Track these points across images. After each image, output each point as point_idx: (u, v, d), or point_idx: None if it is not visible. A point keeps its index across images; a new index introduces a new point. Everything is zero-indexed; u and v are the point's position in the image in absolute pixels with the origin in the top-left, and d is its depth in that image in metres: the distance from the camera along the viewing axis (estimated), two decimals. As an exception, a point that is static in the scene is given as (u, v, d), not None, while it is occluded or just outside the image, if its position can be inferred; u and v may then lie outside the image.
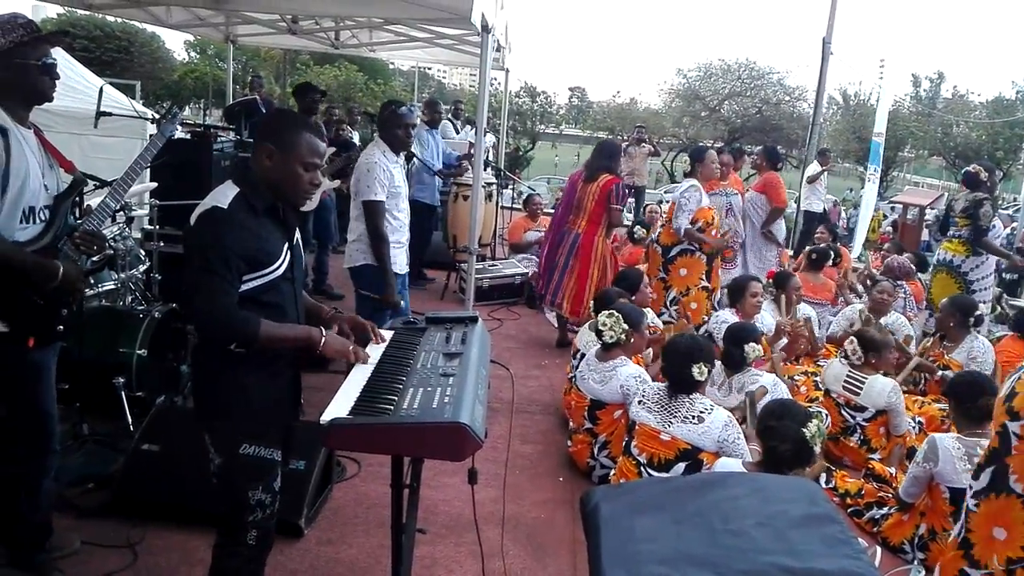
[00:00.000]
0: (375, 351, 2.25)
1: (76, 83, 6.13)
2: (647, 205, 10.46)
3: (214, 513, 2.24)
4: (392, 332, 2.46)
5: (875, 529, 3.54)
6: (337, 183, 6.25)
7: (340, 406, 1.88)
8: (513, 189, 10.45)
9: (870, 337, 4.23)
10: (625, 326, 3.81)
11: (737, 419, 3.40)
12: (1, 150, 2.22)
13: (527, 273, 7.17)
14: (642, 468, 3.30)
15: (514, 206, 10.15)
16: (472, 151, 6.12)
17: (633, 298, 4.58)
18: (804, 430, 2.83)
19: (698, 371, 3.28)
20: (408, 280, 4.38)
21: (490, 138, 9.75)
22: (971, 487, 2.45)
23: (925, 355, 4.95)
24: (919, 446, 3.41)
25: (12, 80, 2.28)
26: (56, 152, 2.50)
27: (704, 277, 5.57)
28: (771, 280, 5.79)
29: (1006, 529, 2.33)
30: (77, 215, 2.62)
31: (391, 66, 29.66)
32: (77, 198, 2.61)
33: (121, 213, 4.18)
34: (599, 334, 3.87)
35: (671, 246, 5.57)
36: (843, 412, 4.24)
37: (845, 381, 4.24)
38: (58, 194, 2.46)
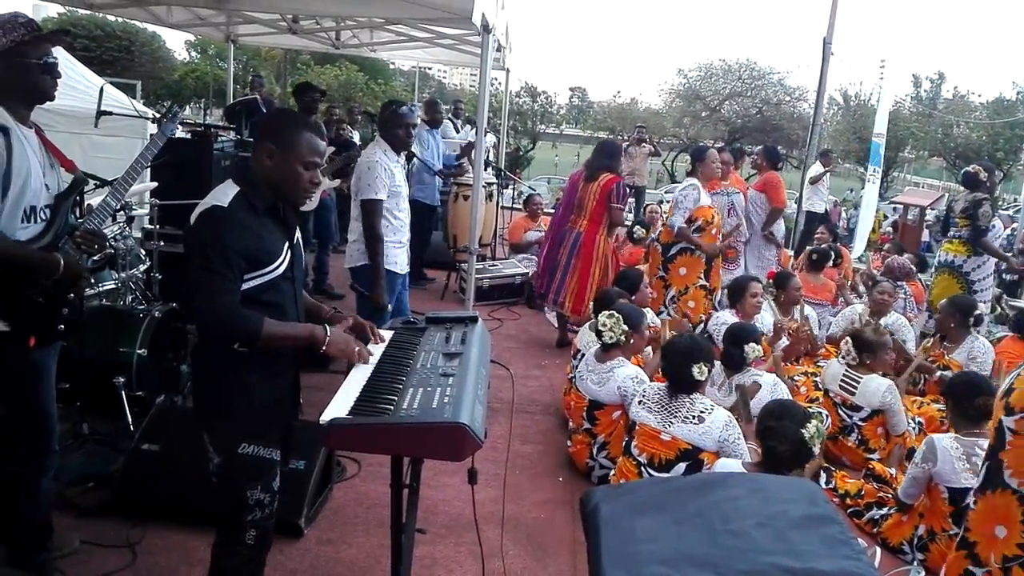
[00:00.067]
0: (375, 351, 2.25)
1: (77, 82, 6.14)
2: (647, 205, 10.45)
3: (214, 513, 2.24)
4: (392, 332, 2.46)
5: (875, 530, 3.54)
6: (337, 182, 6.25)
7: (340, 406, 1.88)
8: (513, 189, 10.42)
9: (865, 337, 4.23)
10: (625, 327, 3.81)
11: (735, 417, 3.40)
12: (3, 149, 2.22)
13: (527, 273, 7.17)
14: (642, 468, 3.30)
15: (514, 206, 10.13)
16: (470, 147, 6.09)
17: (633, 298, 4.58)
18: (803, 431, 2.83)
19: (698, 371, 3.28)
20: (408, 280, 4.38)
21: (491, 138, 9.75)
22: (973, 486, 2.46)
23: (925, 356, 4.95)
24: (919, 447, 3.42)
25: (13, 79, 2.28)
26: (57, 151, 2.50)
27: (703, 276, 5.57)
28: (771, 280, 5.79)
29: (1006, 527, 2.33)
30: (78, 214, 2.62)
31: (392, 66, 29.69)
32: (78, 197, 2.61)
33: (121, 212, 4.20)
34: (599, 334, 3.87)
35: (670, 245, 5.57)
36: (840, 411, 4.25)
37: (841, 380, 4.25)
38: (59, 193, 2.46)
